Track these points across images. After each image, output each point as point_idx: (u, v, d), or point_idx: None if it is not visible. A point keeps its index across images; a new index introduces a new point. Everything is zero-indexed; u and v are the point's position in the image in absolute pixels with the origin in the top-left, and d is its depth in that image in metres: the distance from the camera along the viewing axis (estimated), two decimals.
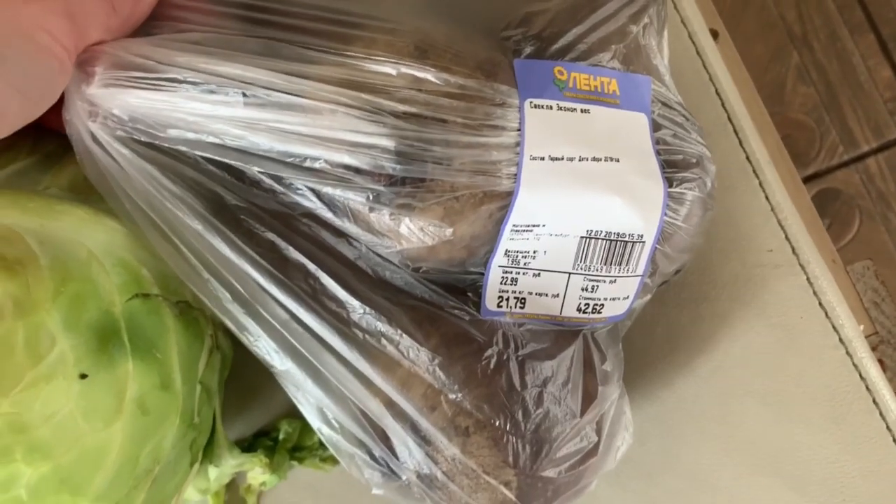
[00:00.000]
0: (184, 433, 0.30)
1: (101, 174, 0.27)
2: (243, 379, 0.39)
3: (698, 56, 0.40)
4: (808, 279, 0.38)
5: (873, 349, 0.38)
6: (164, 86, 0.25)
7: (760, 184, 0.38)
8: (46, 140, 0.32)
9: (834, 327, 0.37)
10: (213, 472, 0.38)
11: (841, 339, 0.37)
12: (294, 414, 0.41)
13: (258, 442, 0.41)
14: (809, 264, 0.38)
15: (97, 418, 0.26)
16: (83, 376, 0.26)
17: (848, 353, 0.37)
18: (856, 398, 0.37)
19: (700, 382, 0.39)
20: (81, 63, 0.26)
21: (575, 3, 0.29)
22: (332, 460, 0.41)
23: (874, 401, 0.37)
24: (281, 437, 0.40)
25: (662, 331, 0.39)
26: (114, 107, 0.26)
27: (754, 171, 0.39)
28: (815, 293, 0.38)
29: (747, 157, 0.39)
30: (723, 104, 0.39)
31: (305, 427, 0.41)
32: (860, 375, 0.37)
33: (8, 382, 0.24)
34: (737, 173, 0.39)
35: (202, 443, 0.33)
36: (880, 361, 0.38)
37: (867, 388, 0.37)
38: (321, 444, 0.41)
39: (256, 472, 0.40)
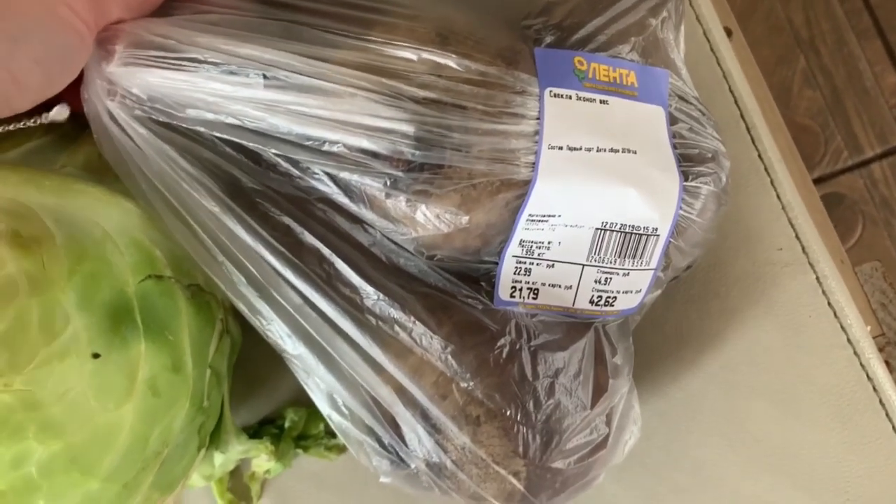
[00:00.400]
0: (193, 417, 0.30)
1: (118, 153, 0.27)
2: (249, 366, 0.39)
3: (712, 53, 0.40)
4: (817, 278, 0.38)
5: (880, 350, 0.38)
6: (184, 66, 0.25)
7: (772, 182, 0.38)
8: None
9: (842, 327, 0.37)
10: (218, 458, 0.38)
11: (849, 339, 0.37)
12: (300, 402, 0.41)
13: (263, 429, 0.40)
14: (819, 264, 0.38)
15: (109, 398, 0.26)
16: (96, 356, 0.26)
17: (856, 353, 0.37)
18: (863, 398, 0.37)
19: (707, 379, 0.39)
20: (101, 41, 0.26)
21: None
22: (338, 449, 0.41)
23: (881, 401, 0.37)
24: (286, 425, 0.40)
25: (671, 327, 0.39)
26: (133, 86, 0.26)
27: (766, 170, 0.39)
28: (823, 293, 0.38)
29: (759, 155, 0.39)
30: (735, 102, 0.39)
31: (311, 415, 0.40)
32: (867, 376, 0.37)
33: (22, 359, 0.24)
34: (748, 171, 0.39)
35: (210, 427, 0.33)
36: (886, 363, 0.38)
37: (874, 388, 0.37)
38: (327, 432, 0.41)
39: (261, 459, 0.39)
